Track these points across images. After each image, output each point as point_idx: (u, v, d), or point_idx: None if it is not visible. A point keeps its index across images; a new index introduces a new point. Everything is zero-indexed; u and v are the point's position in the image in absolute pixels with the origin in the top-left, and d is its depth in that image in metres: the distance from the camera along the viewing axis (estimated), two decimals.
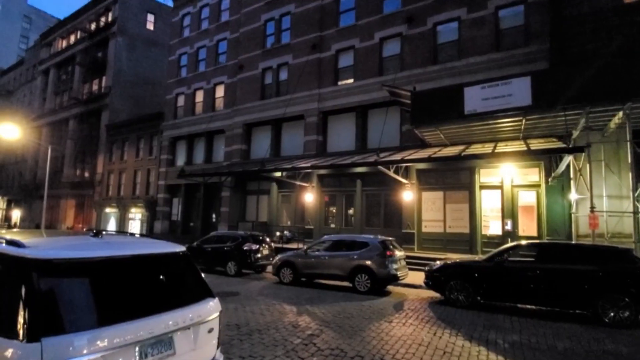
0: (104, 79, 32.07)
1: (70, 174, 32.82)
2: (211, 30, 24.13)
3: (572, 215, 11.23)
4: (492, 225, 13.24)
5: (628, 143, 9.71)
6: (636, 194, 9.44)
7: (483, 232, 13.20)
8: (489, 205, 13.38)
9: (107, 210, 29.79)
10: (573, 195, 10.99)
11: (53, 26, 42.12)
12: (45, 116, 37.91)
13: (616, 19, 11.14)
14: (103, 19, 33.55)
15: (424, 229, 14.32)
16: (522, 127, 11.91)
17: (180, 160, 24.47)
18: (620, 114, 9.88)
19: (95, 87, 33.15)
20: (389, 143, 15.64)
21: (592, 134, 10.81)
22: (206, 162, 22.87)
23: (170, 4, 29.24)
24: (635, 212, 9.37)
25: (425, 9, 15.94)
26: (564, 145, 10.95)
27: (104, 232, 3.04)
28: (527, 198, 12.77)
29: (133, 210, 27.68)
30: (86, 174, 32.01)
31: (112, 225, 29.54)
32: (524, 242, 9.22)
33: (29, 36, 66.77)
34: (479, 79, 12.82)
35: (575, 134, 11.15)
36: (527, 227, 12.54)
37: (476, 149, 12.50)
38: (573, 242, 10.64)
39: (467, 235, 13.35)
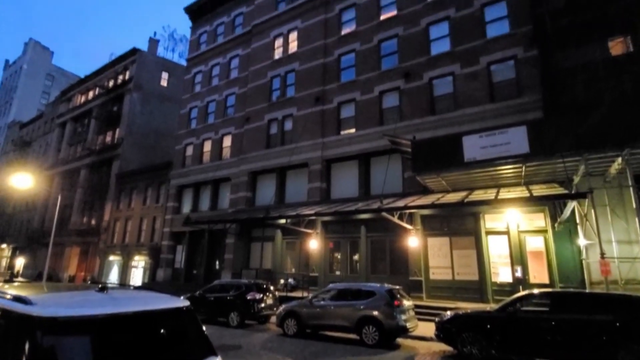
0: (117, 130, 33.06)
1: (78, 222, 32.66)
2: (221, 86, 25.25)
3: (583, 261, 10.81)
4: (501, 272, 12.73)
5: (631, 188, 9.62)
6: None
7: (493, 280, 12.64)
8: (497, 252, 12.96)
9: (111, 258, 29.20)
10: (581, 241, 10.66)
11: (74, 83, 44.34)
12: (58, 166, 38.62)
13: (606, 70, 11.55)
14: (121, 77, 35.37)
15: (431, 276, 13.77)
16: (523, 173, 11.91)
17: (186, 208, 24.40)
18: (620, 159, 9.89)
19: (108, 139, 34.08)
20: (392, 189, 15.62)
21: (593, 179, 10.77)
22: (211, 210, 22.77)
23: (184, 63, 30.98)
24: None
25: (421, 65, 16.72)
26: (566, 192, 10.83)
27: (109, 286, 2.95)
28: (535, 244, 12.39)
29: (137, 258, 27.10)
30: (93, 222, 31.85)
31: (114, 274, 28.78)
32: (536, 290, 8.76)
33: (50, 92, 70.00)
34: (476, 128, 13.08)
35: (577, 179, 11.10)
36: (538, 274, 12.03)
37: (479, 195, 12.39)
38: (587, 290, 10.13)
39: (476, 282, 12.78)
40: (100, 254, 29.70)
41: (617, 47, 12.03)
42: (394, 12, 18.35)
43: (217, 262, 21.73)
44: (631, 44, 11.73)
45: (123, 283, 26.15)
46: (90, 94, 39.21)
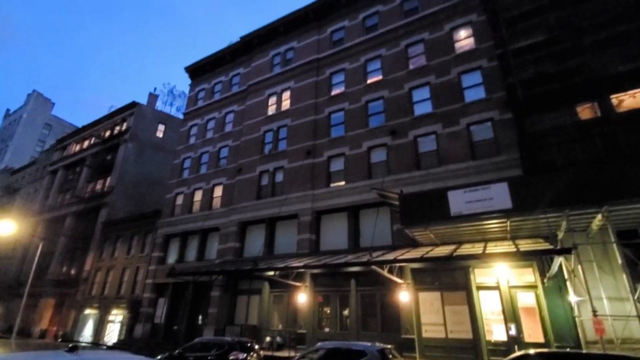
0: (108, 179, 32.44)
1: (57, 272, 30.55)
2: (215, 139, 25.49)
3: (576, 319, 10.35)
4: (495, 329, 12.04)
5: (614, 245, 9.57)
6: (636, 296, 8.89)
7: (487, 338, 11.87)
8: (489, 307, 12.37)
9: (87, 311, 26.90)
10: (572, 298, 10.30)
11: (70, 133, 44.30)
12: (44, 213, 37.07)
13: (577, 132, 12.12)
14: (118, 128, 35.58)
15: (424, 334, 12.91)
16: (508, 228, 11.83)
17: (172, 258, 23.21)
18: (600, 216, 9.95)
19: (99, 187, 33.26)
20: (382, 242, 15.25)
21: (577, 235, 10.73)
22: (198, 260, 21.69)
23: (181, 116, 31.55)
24: (639, 316, 8.68)
25: (406, 125, 17.32)
26: (551, 247, 10.69)
27: (80, 345, 2.54)
28: (526, 299, 11.91)
29: (114, 311, 25.04)
30: (72, 272, 29.83)
31: (89, 329, 26.33)
32: (532, 351, 8.21)
33: (46, 140, 69.62)
34: (460, 183, 13.21)
35: (560, 235, 11.04)
36: (533, 332, 11.40)
37: (467, 249, 12.14)
38: (583, 350, 9.58)
39: (470, 341, 11.98)
40: (75, 307, 27.40)
41: (585, 112, 12.76)
42: (379, 77, 19.42)
43: (200, 317, 20.18)
44: (598, 109, 12.46)
45: (96, 342, 23.82)
46: (86, 143, 39.02)
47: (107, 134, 35.92)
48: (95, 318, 26.11)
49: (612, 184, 9.54)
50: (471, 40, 17.30)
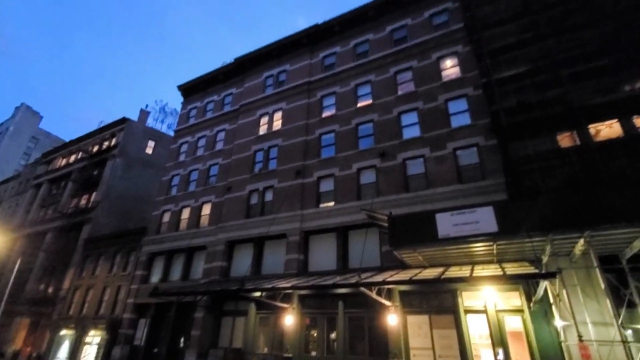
0: (93, 194, 31.60)
1: (34, 289, 29.10)
2: (205, 156, 25.29)
3: (562, 344, 10.30)
4: (483, 354, 11.85)
5: (597, 269, 9.69)
6: (620, 321, 8.93)
7: None
8: (477, 332, 12.23)
9: (63, 332, 25.49)
10: (558, 322, 10.30)
11: (57, 146, 43.35)
12: (25, 227, 35.66)
13: (558, 159, 12.47)
14: (106, 143, 35.01)
15: (412, 359, 12.63)
16: (495, 251, 11.89)
17: (156, 277, 22.43)
18: (582, 241, 10.11)
19: (83, 202, 32.34)
20: (370, 263, 15.10)
21: (561, 259, 10.86)
22: (183, 280, 21.00)
23: (172, 133, 31.31)
24: (624, 341, 8.70)
25: (395, 147, 17.55)
26: (536, 271, 10.75)
27: None
28: (513, 324, 11.84)
29: (92, 332, 23.79)
30: (50, 290, 28.47)
31: (64, 350, 24.88)
32: None
33: (32, 154, 67.93)
34: (448, 206, 13.35)
35: (545, 259, 11.14)
36: (521, 357, 11.24)
37: (454, 271, 12.09)
38: None
39: None
40: (51, 327, 25.96)
41: (565, 140, 13.19)
42: (369, 101, 19.81)
43: (183, 340, 19.34)
44: (578, 137, 12.91)
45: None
46: (72, 158, 38.18)
47: (95, 148, 35.29)
48: (72, 339, 24.75)
49: (593, 210, 9.76)
50: (457, 70, 17.92)
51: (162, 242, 23.14)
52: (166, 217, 24.45)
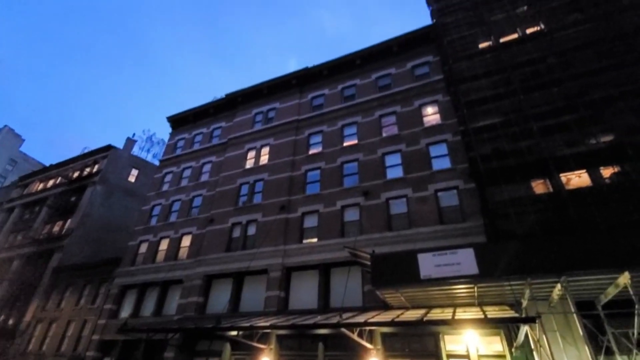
0: (69, 221, 30.03)
1: None
2: (189, 187, 24.79)
3: None
4: None
5: (575, 315, 9.68)
6: None
7: None
8: None
9: None
10: None
11: (36, 170, 41.66)
12: None
13: (532, 205, 12.85)
14: (88, 169, 33.93)
15: None
16: (476, 294, 11.78)
17: (126, 312, 20.90)
18: (559, 286, 10.17)
19: (56, 228, 30.59)
20: (352, 303, 14.62)
21: (540, 303, 10.82)
22: (155, 315, 19.62)
23: (157, 162, 30.77)
24: None
25: (378, 187, 17.76)
26: (517, 315, 10.67)
27: None
28: None
29: None
30: (10, 322, 25.97)
31: None
32: None
33: (8, 177, 64.84)
34: (430, 246, 13.34)
35: (525, 303, 11.08)
36: None
37: (436, 313, 11.83)
38: None
39: None
40: None
41: (539, 186, 13.72)
42: (355, 141, 20.27)
43: None
44: (550, 185, 13.45)
45: None
46: (50, 182, 36.63)
47: (76, 174, 34.09)
48: None
49: (568, 256, 9.92)
50: (437, 116, 18.77)
51: (136, 274, 21.86)
52: (143, 248, 23.30)
